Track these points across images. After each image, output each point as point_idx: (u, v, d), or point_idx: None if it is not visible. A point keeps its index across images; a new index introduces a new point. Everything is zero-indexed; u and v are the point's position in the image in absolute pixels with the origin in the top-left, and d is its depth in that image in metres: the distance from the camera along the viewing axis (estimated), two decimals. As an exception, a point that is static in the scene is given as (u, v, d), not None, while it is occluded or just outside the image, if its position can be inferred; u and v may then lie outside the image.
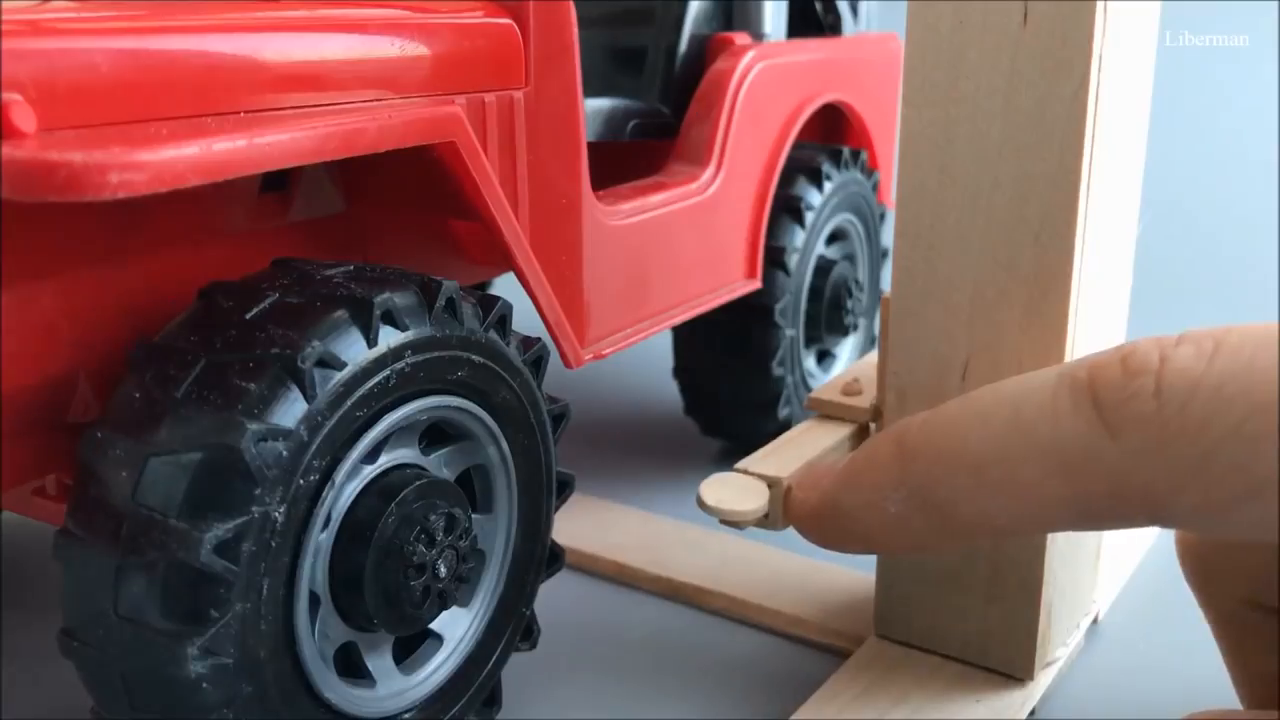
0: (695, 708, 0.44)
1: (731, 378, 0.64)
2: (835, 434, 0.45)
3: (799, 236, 0.62)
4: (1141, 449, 0.28)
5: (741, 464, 0.42)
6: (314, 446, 0.32)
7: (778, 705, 0.44)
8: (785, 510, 0.41)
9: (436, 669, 0.39)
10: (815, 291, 0.65)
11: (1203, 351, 0.28)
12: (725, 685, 0.46)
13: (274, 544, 0.31)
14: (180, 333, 0.33)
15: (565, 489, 0.43)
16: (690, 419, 0.68)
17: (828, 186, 0.64)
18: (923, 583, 0.45)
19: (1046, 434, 0.30)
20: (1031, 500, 0.31)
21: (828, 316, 0.66)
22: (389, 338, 0.34)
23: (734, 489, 0.41)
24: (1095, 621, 0.49)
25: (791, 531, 0.54)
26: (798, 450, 0.43)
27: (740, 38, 0.61)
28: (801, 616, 0.49)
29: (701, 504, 0.41)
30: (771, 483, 0.41)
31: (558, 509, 0.43)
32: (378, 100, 0.37)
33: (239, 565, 0.30)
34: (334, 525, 0.34)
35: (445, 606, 0.37)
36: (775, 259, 0.62)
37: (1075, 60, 0.37)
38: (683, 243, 0.54)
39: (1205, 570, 0.37)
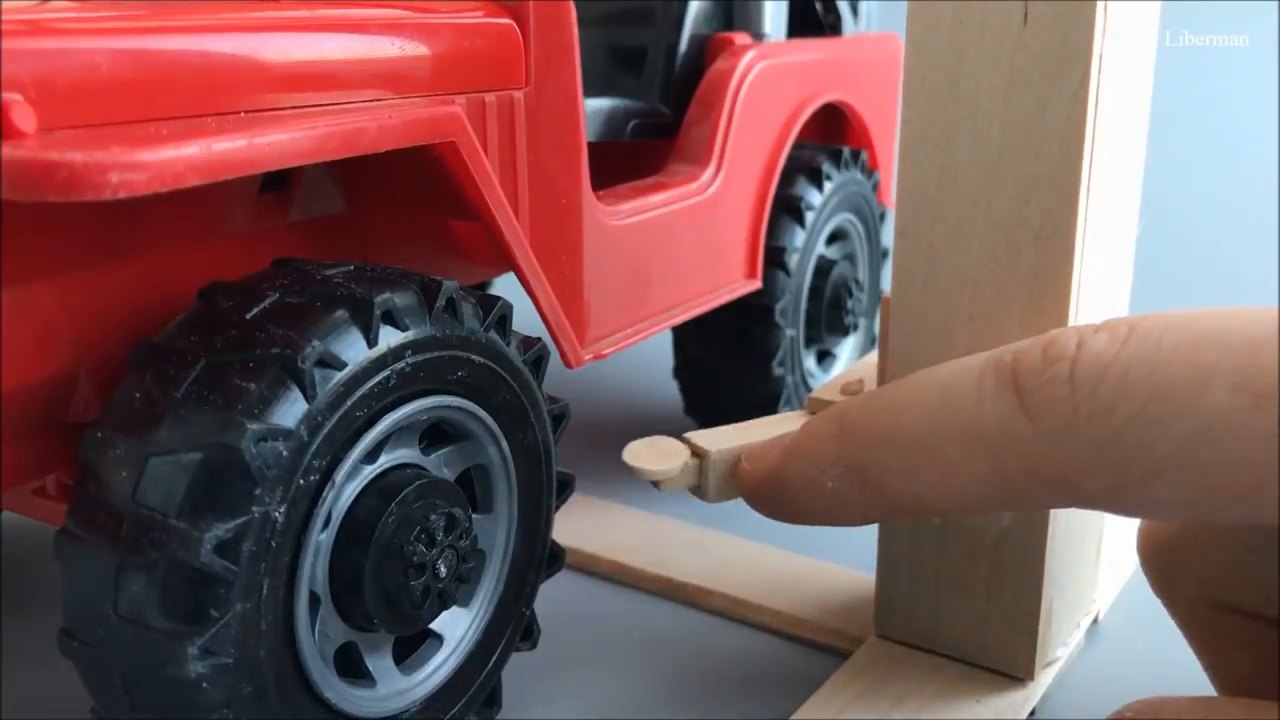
0: (695, 708, 0.44)
1: (732, 378, 0.64)
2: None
3: (799, 236, 0.62)
4: (1055, 431, 0.29)
5: (687, 434, 0.43)
6: (314, 446, 0.32)
7: (778, 705, 0.44)
8: (737, 482, 0.41)
9: (436, 669, 0.39)
10: (815, 291, 0.65)
11: (1116, 337, 0.29)
12: (725, 685, 0.46)
13: (274, 544, 0.31)
14: (180, 333, 0.33)
15: (565, 489, 0.43)
16: (690, 419, 0.68)
17: (828, 186, 0.64)
18: (923, 583, 0.45)
19: (971, 415, 0.31)
20: (956, 478, 0.32)
21: (828, 316, 0.66)
22: (389, 338, 0.34)
23: (658, 452, 0.42)
24: (1095, 621, 0.49)
25: (792, 532, 0.55)
26: (756, 432, 0.43)
27: (740, 38, 0.61)
28: (801, 616, 0.49)
29: (625, 461, 0.42)
30: (698, 453, 0.42)
31: (558, 509, 0.43)
32: (378, 100, 0.37)
33: (239, 565, 0.30)
34: (334, 525, 0.34)
35: (445, 606, 0.37)
36: (775, 259, 0.62)
37: (1075, 60, 0.37)
38: (683, 243, 0.54)
39: (1165, 574, 0.37)
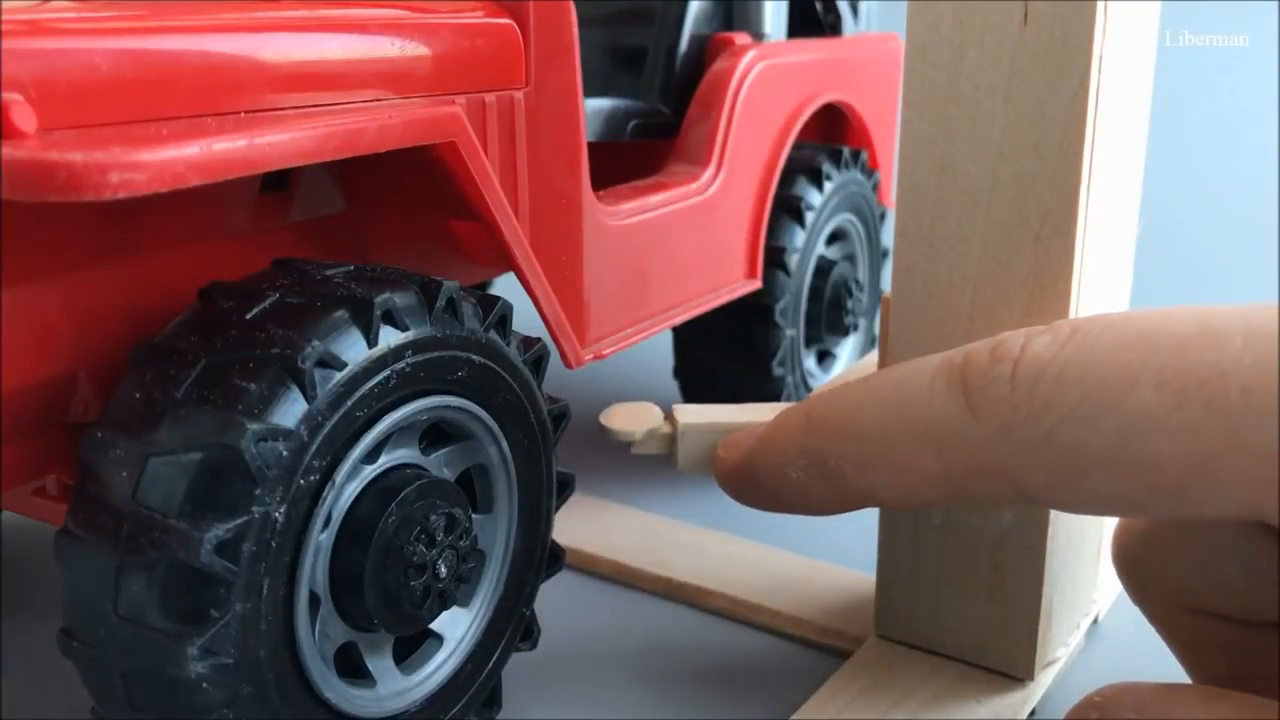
0: (696, 708, 0.44)
1: (732, 378, 0.64)
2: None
3: (799, 236, 0.62)
4: (996, 429, 0.30)
5: (675, 406, 0.45)
6: (314, 446, 0.32)
7: (778, 705, 0.44)
8: (715, 468, 0.42)
9: (437, 669, 0.39)
10: (815, 291, 0.65)
11: (1058, 338, 0.30)
12: (725, 685, 0.46)
13: (274, 544, 0.31)
14: (180, 333, 0.33)
15: (565, 489, 0.43)
16: (690, 419, 0.68)
17: (828, 186, 0.64)
18: (923, 583, 0.45)
19: (922, 413, 0.32)
20: (907, 474, 0.33)
21: (828, 316, 0.66)
22: (389, 338, 0.34)
23: (632, 416, 0.45)
24: (1095, 621, 0.49)
25: (792, 532, 0.55)
26: (738, 414, 0.44)
27: (740, 38, 0.61)
28: (801, 616, 0.49)
29: (599, 423, 0.45)
30: (672, 423, 0.44)
31: (558, 509, 0.43)
32: (378, 100, 0.37)
33: (239, 565, 0.30)
34: (334, 525, 0.34)
35: (445, 606, 0.37)
36: (775, 259, 0.62)
37: (1075, 60, 0.37)
38: (683, 243, 0.54)
39: (1138, 580, 0.37)
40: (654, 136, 0.58)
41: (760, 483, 0.38)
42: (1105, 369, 0.29)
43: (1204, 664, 0.36)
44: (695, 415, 0.45)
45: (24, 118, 0.28)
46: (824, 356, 0.70)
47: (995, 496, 0.32)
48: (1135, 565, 0.37)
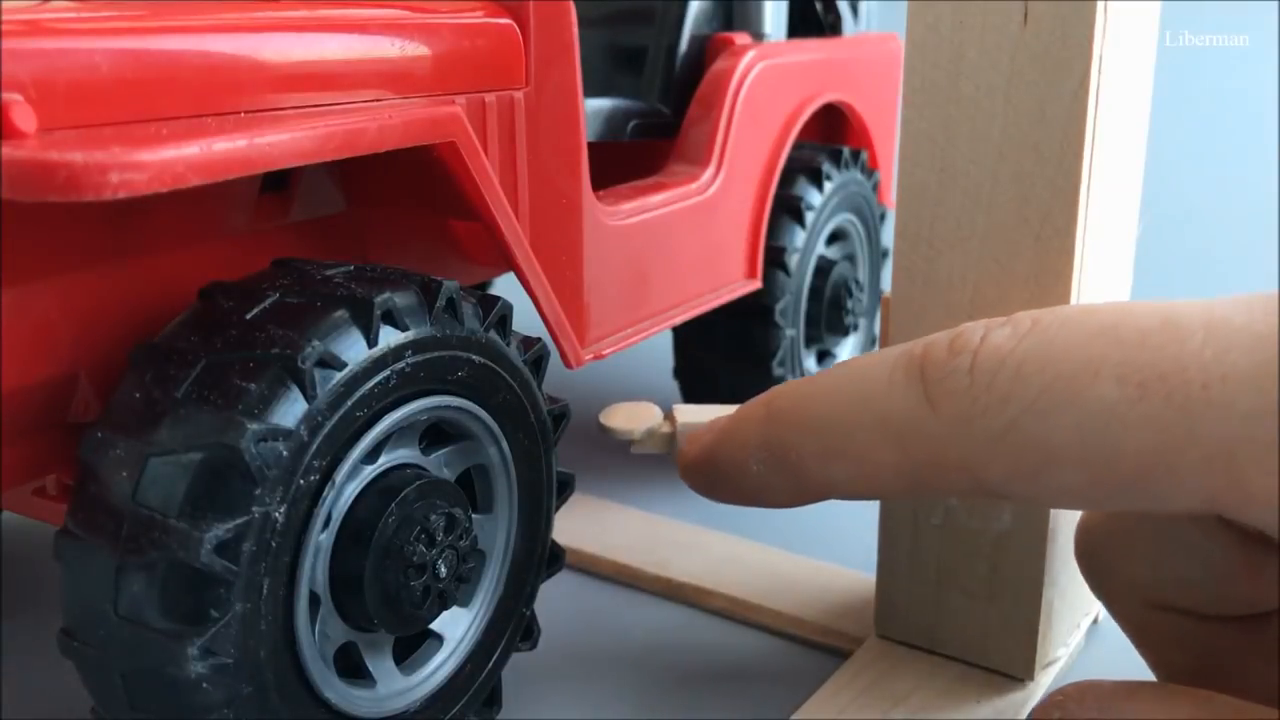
0: (695, 708, 0.44)
1: (732, 378, 0.64)
2: None
3: (799, 236, 0.62)
4: (954, 422, 0.30)
5: (676, 405, 0.46)
6: (314, 446, 0.32)
7: (777, 705, 0.44)
8: (678, 460, 0.42)
9: (436, 669, 0.39)
10: (815, 291, 0.65)
11: (1018, 331, 0.30)
12: (725, 685, 0.46)
13: (274, 544, 0.31)
14: (180, 333, 0.33)
15: (565, 489, 0.43)
16: (690, 419, 0.68)
17: (828, 186, 0.64)
18: (923, 583, 0.45)
19: (880, 405, 0.32)
20: (867, 466, 0.33)
21: (828, 316, 0.66)
22: (389, 338, 0.34)
23: (631, 415, 0.45)
24: (1095, 622, 0.49)
25: (791, 532, 0.55)
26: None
27: (740, 38, 0.61)
28: (801, 616, 0.49)
29: (599, 423, 0.45)
30: (672, 422, 0.45)
31: (558, 509, 0.43)
32: (378, 100, 0.37)
33: (239, 565, 0.30)
34: (334, 525, 0.34)
35: (445, 606, 0.37)
36: (775, 259, 0.62)
37: (1075, 60, 0.37)
38: (683, 243, 0.54)
39: (1100, 575, 0.37)
40: (654, 136, 0.58)
41: (721, 475, 0.38)
42: (1065, 362, 0.29)
43: (1166, 659, 0.36)
44: (694, 415, 0.46)
45: (24, 118, 0.28)
46: (824, 356, 0.70)
47: (956, 489, 0.32)
48: (1096, 559, 0.37)
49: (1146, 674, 0.45)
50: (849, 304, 0.68)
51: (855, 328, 0.70)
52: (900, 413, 0.32)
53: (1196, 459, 0.27)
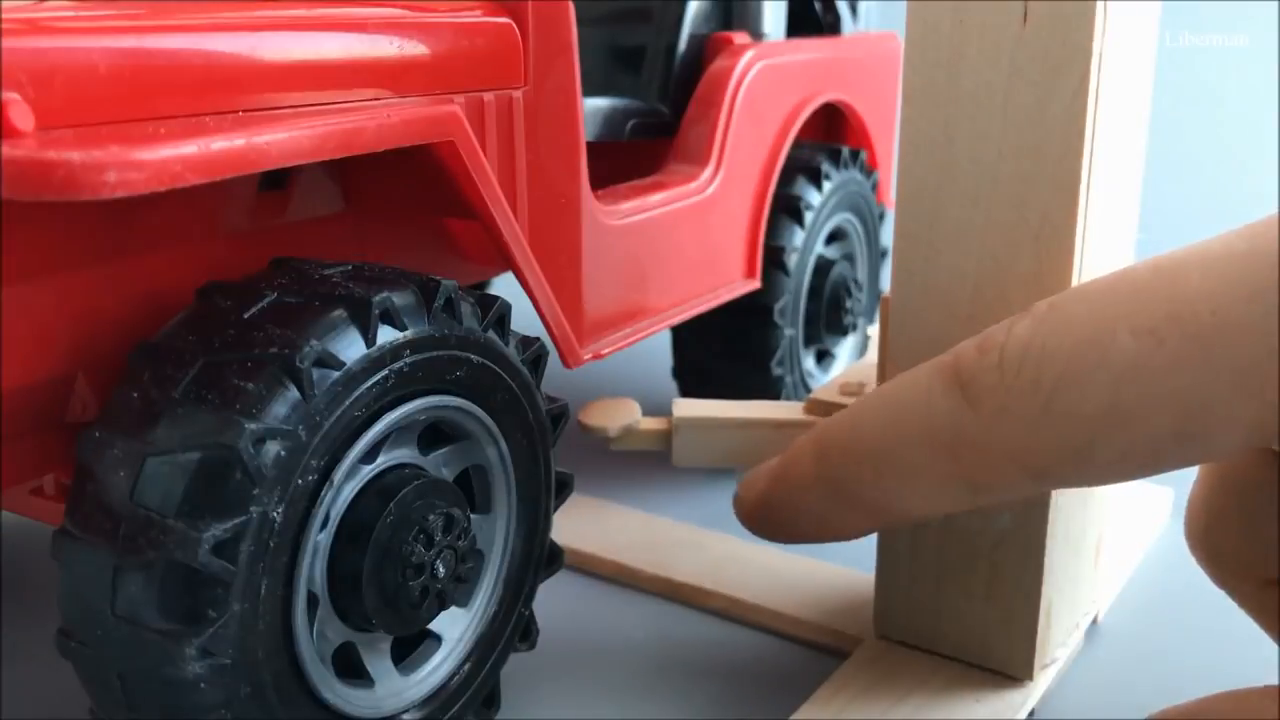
0: (695, 708, 0.44)
1: (731, 378, 0.63)
2: (784, 411, 0.48)
3: (798, 236, 0.62)
4: (995, 415, 0.31)
5: (676, 400, 0.48)
6: (312, 446, 0.32)
7: (777, 705, 0.44)
8: (736, 509, 0.43)
9: (435, 669, 0.39)
10: (814, 291, 0.65)
11: (1037, 316, 0.31)
12: (725, 685, 0.46)
13: (272, 544, 0.31)
14: (178, 333, 0.33)
15: (564, 489, 0.43)
16: (689, 419, 0.67)
17: (827, 186, 0.64)
18: (923, 582, 0.45)
19: (922, 418, 0.33)
20: (923, 481, 0.33)
21: (827, 316, 0.66)
22: (388, 337, 0.34)
23: (610, 411, 0.46)
24: (1095, 622, 0.49)
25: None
26: (741, 410, 0.46)
27: (739, 37, 0.61)
28: (801, 617, 0.49)
29: (577, 420, 0.46)
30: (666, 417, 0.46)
31: (557, 509, 0.43)
32: (376, 99, 0.37)
33: (237, 565, 0.30)
34: (332, 525, 0.34)
35: (444, 607, 0.37)
36: (774, 259, 0.61)
37: (1075, 60, 0.37)
38: (682, 242, 0.54)
39: (1211, 559, 0.37)
40: (652, 136, 0.58)
41: (783, 516, 0.39)
42: (1083, 329, 0.29)
43: None
44: (694, 410, 0.46)
45: (22, 116, 0.28)
46: (823, 356, 0.70)
47: (1012, 486, 0.32)
48: (1205, 546, 0.37)
49: (1144, 675, 0.45)
50: (848, 304, 0.68)
51: (854, 327, 0.70)
52: (944, 421, 0.32)
53: (1227, 386, 0.27)
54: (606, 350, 0.49)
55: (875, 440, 0.35)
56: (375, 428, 0.34)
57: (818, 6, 0.71)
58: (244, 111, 0.33)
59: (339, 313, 0.33)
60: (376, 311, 0.33)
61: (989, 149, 0.39)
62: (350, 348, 0.33)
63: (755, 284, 0.60)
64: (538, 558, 0.42)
